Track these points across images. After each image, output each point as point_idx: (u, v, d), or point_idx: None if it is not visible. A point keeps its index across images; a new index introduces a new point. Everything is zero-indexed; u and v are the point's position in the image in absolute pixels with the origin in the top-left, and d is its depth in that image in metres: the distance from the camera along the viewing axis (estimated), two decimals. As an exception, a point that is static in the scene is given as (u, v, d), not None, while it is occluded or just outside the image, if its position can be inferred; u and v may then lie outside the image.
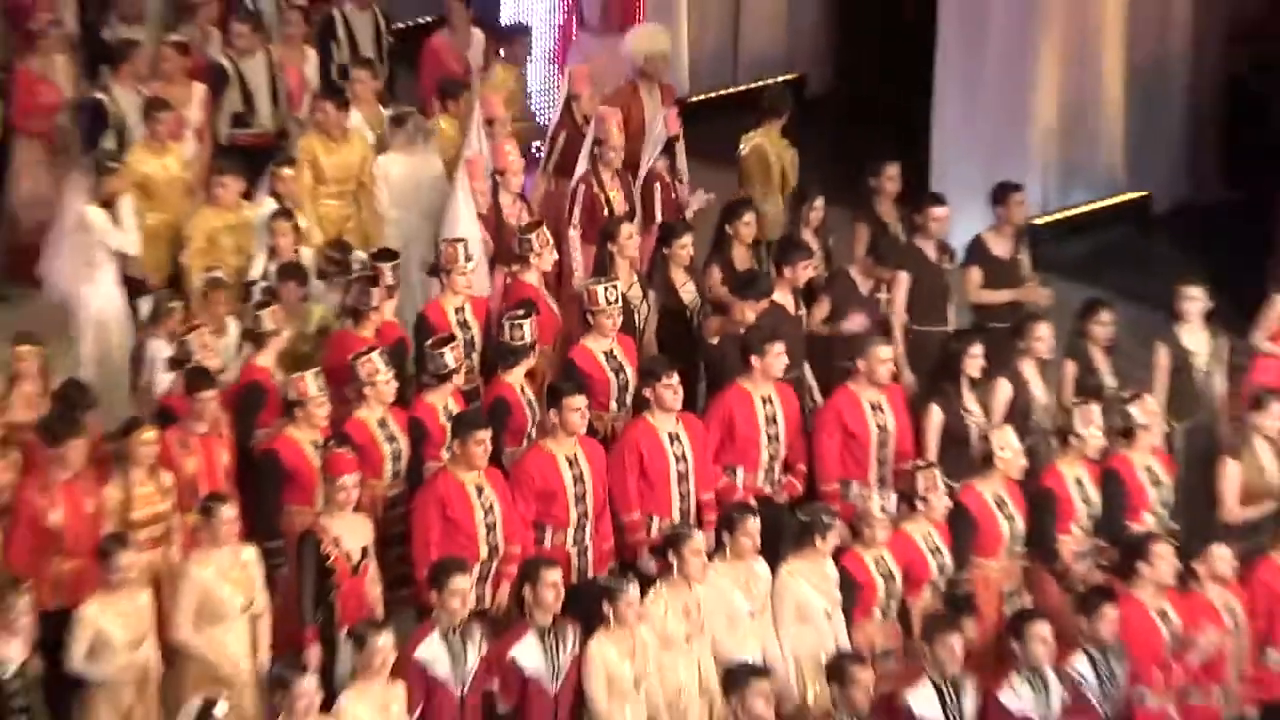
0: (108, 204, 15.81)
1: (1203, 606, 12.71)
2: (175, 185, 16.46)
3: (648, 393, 14.07)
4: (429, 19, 20.09)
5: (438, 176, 16.99)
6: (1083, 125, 18.96)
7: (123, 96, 16.87)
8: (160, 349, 14.69)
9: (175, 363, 14.29)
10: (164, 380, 14.46)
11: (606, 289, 14.97)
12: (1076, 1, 18.73)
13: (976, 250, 16.27)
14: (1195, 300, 15.15)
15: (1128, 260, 17.49)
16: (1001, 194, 16.50)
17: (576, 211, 17.06)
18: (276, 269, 15.48)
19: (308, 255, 16.07)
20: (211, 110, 17.47)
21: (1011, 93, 18.65)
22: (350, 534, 13.01)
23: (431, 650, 12.06)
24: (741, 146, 18.52)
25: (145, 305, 15.29)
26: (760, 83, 20.96)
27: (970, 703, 12.05)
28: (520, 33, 19.19)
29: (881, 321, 15.65)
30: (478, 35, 18.96)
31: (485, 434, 13.29)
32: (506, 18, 19.61)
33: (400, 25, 20.61)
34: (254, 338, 14.57)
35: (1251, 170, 18.65)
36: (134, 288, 15.95)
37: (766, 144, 18.32)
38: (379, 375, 13.85)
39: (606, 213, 16.92)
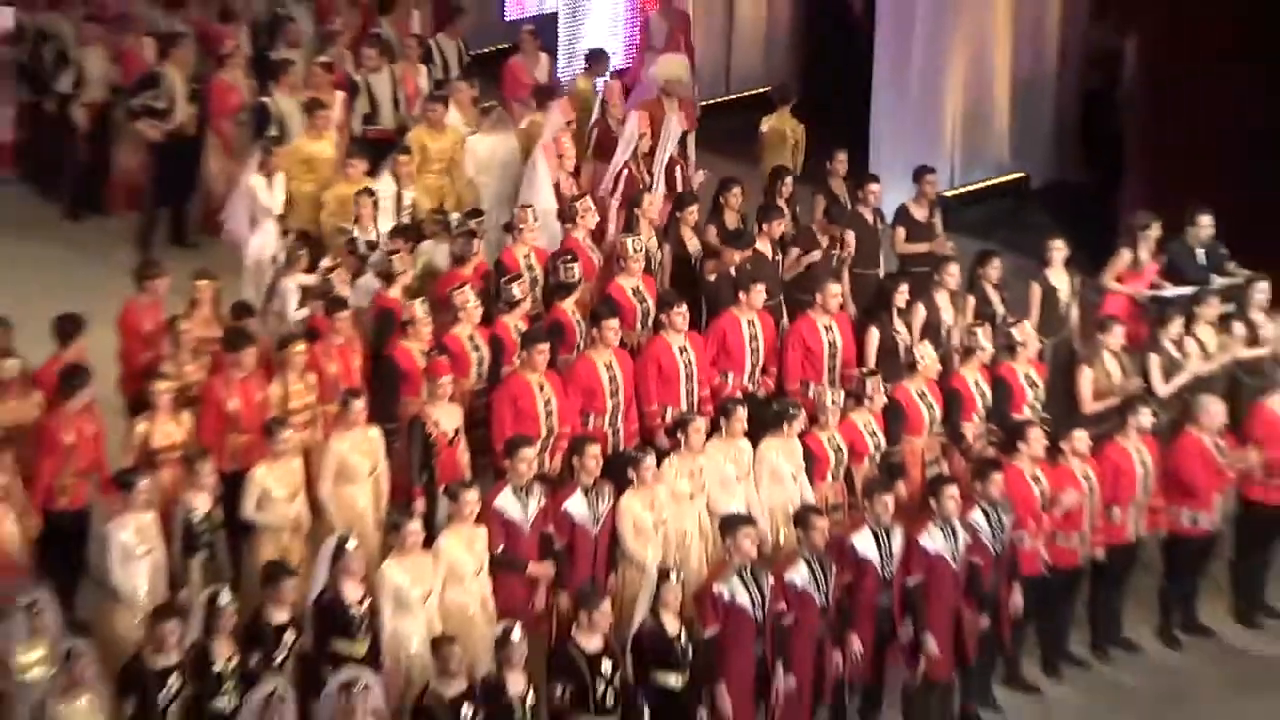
0: (268, 176, 15.71)
1: (1066, 474, 12.62)
2: (327, 163, 16.33)
3: (664, 318, 13.97)
4: (504, 45, 19.59)
5: (512, 151, 16.92)
6: (979, 124, 18.90)
7: (282, 101, 16.77)
8: (290, 285, 14.52)
9: (318, 293, 14.14)
10: (293, 309, 14.33)
11: (633, 241, 14.97)
12: (975, 34, 18.62)
13: (901, 215, 16.18)
14: (1059, 250, 15.08)
15: (1011, 222, 17.52)
16: (919, 174, 16.36)
17: (620, 185, 16.94)
18: (390, 229, 15.37)
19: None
20: (348, 111, 17.11)
21: (928, 100, 18.58)
22: (446, 418, 12.96)
23: (505, 502, 11.98)
24: (762, 126, 18.48)
25: (280, 251, 15.03)
26: (746, 93, 20.91)
27: (897, 544, 11.90)
28: (602, 54, 18.92)
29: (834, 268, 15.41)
30: (544, 57, 18.70)
31: (545, 346, 13.27)
32: (594, 41, 19.37)
33: (480, 51, 20.15)
34: (385, 276, 14.43)
35: (1102, 158, 18.64)
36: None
37: (781, 123, 18.31)
38: (469, 303, 13.75)
39: (641, 187, 16.77)
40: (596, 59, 18.36)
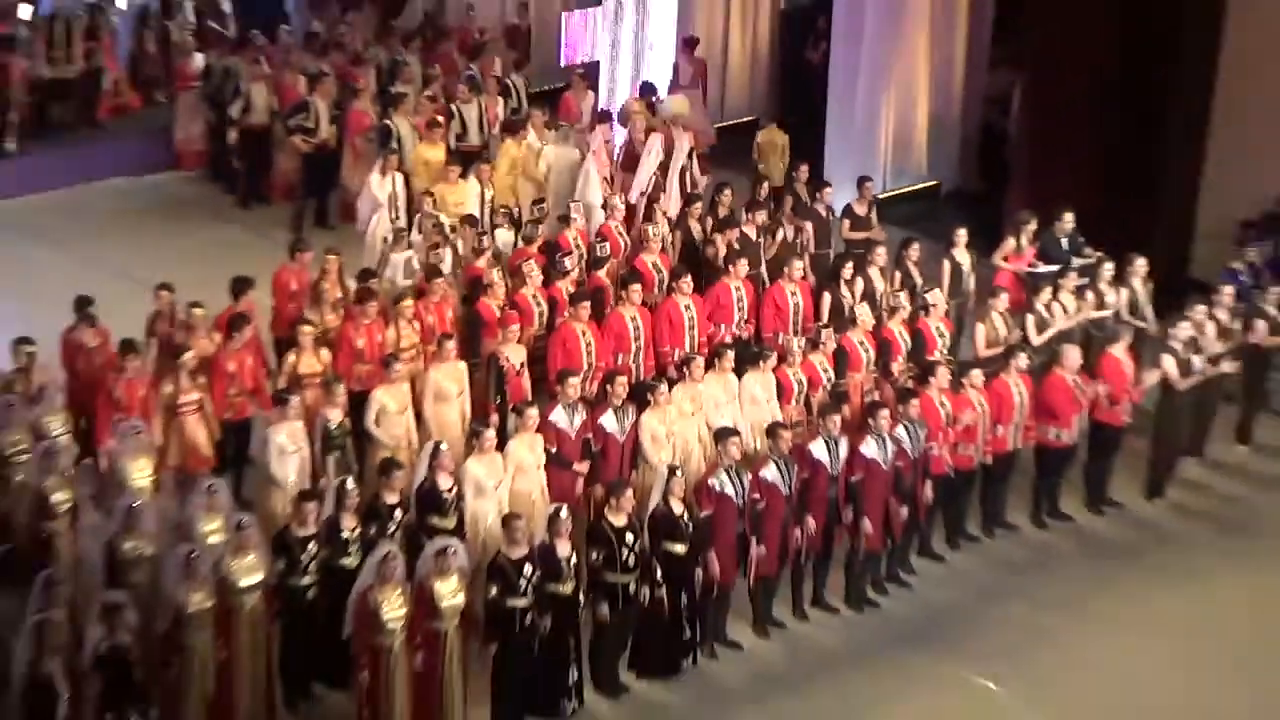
0: (384, 176, 15.56)
1: (965, 401, 12.49)
2: (438, 164, 16.16)
3: (674, 284, 13.91)
4: (560, 84, 19.30)
5: (573, 157, 16.68)
6: (904, 145, 18.67)
7: (400, 123, 16.58)
8: (397, 258, 14.44)
9: (424, 266, 14.04)
10: (401, 279, 14.19)
11: (653, 228, 14.89)
12: (903, 79, 18.45)
13: (847, 211, 15.92)
14: (961, 238, 14.97)
15: (927, 217, 17.23)
16: (860, 182, 16.16)
17: (650, 185, 16.89)
18: (460, 217, 15.24)
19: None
20: (446, 132, 16.91)
21: (867, 127, 18.36)
22: (514, 355, 12.88)
23: (557, 416, 11.90)
24: (758, 137, 18.45)
25: (389, 232, 14.93)
26: (734, 121, 20.61)
27: (843, 451, 11.76)
28: (650, 86, 18.83)
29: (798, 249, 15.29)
30: (590, 93, 18.46)
31: (587, 304, 13.21)
32: (645, 79, 19.16)
33: (543, 88, 19.93)
34: (476, 253, 14.42)
35: (994, 171, 18.54)
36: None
37: (772, 134, 18.31)
38: (533, 272, 13.70)
39: (659, 189, 16.81)
40: (645, 90, 18.14)
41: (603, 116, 18.01)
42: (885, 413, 12.01)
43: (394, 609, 10.08)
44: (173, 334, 12.91)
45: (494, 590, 10.39)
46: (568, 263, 14.10)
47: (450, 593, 10.22)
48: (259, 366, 12.74)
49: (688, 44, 19.43)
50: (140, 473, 11.44)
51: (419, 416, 12.56)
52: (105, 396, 12.15)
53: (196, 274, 14.00)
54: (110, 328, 12.80)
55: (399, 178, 15.70)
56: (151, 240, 16.63)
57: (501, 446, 11.64)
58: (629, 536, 10.91)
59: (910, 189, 18.51)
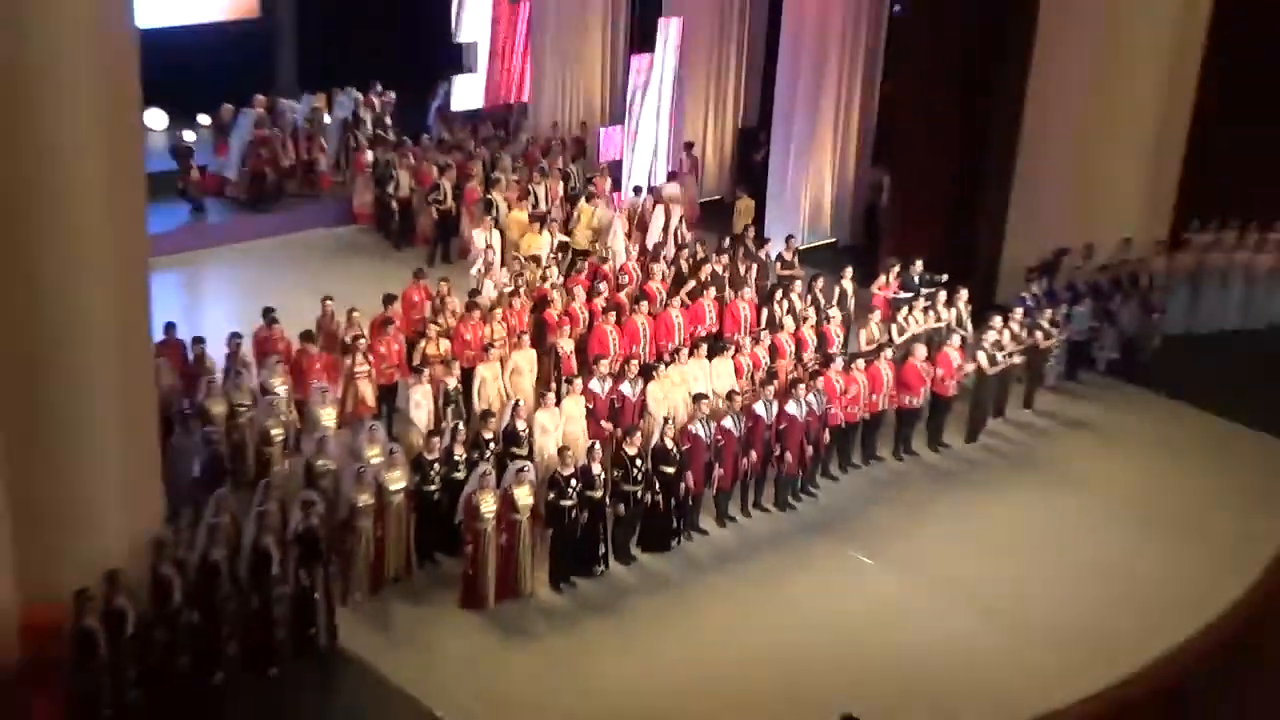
0: (486, 233, 15.29)
1: (851, 379, 12.31)
2: (522, 225, 15.94)
3: (669, 302, 13.81)
4: (595, 174, 19.07)
5: (610, 217, 16.42)
6: (817, 215, 18.45)
7: (497, 198, 16.38)
8: (489, 284, 14.25)
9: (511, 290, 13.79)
10: (488, 298, 13.91)
11: (656, 266, 14.77)
12: (815, 171, 18.21)
13: (779, 257, 15.59)
14: (848, 273, 14.73)
15: (829, 261, 16.61)
16: (788, 239, 16.01)
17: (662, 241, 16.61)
18: (531, 257, 15.00)
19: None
20: (525, 203, 16.77)
21: (793, 201, 18.06)
22: (566, 346, 12.72)
23: (594, 385, 11.78)
24: (737, 203, 18.10)
25: (482, 267, 14.75)
26: (708, 199, 19.85)
27: (775, 410, 11.64)
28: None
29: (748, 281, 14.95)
30: (608, 179, 17.98)
31: (614, 314, 13.04)
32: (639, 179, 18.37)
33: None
34: (543, 279, 14.17)
35: (872, 233, 18.14)
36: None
37: (744, 203, 17.98)
38: (579, 293, 13.58)
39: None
40: (638, 191, 17.62)
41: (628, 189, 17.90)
42: (801, 386, 11.90)
43: (488, 506, 10.10)
44: (334, 329, 12.78)
45: (551, 495, 10.41)
46: (602, 286, 13.82)
47: (524, 496, 10.23)
48: (402, 350, 12.54)
49: (688, 146, 19.11)
50: (327, 416, 11.42)
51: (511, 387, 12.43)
52: (297, 368, 12.05)
53: (365, 291, 13.78)
54: (286, 326, 12.57)
55: (496, 233, 15.45)
56: (337, 268, 16.48)
57: (558, 403, 11.53)
58: (638, 462, 10.91)
59: (819, 243, 18.06)
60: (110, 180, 8.59)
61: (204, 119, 19.08)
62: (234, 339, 12.17)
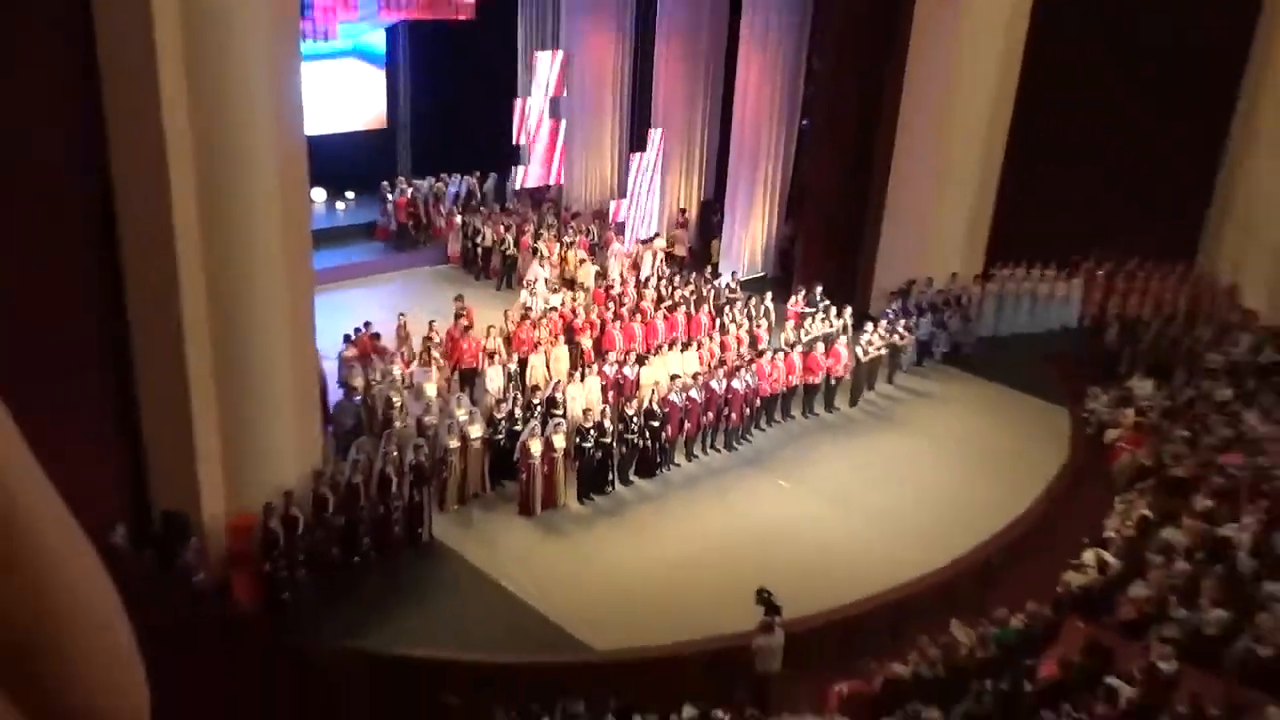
0: (538, 267, 14.90)
1: (774, 365, 12.10)
2: (556, 264, 15.39)
3: (655, 314, 13.41)
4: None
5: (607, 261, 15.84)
6: (754, 256, 17.81)
7: (542, 245, 15.89)
8: (538, 300, 13.75)
9: (550, 307, 13.42)
10: (539, 308, 13.34)
11: (648, 291, 14.28)
12: (751, 227, 17.61)
13: (727, 285, 15.15)
14: (768, 296, 14.36)
15: (759, 287, 15.84)
16: (732, 274, 15.74)
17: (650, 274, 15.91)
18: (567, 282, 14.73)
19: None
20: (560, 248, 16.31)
21: (739, 249, 17.59)
22: (587, 343, 12.29)
23: (606, 369, 11.44)
24: (712, 245, 17.58)
25: (531, 293, 14.07)
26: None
27: (725, 385, 11.41)
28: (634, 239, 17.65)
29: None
30: (611, 234, 17.34)
31: (617, 322, 12.70)
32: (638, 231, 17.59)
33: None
34: (573, 299, 13.72)
35: (788, 269, 17.29)
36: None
37: (714, 247, 17.52)
38: (595, 307, 13.15)
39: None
40: (631, 239, 17.12)
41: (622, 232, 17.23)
42: (742, 370, 11.72)
43: (536, 448, 9.96)
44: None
45: (577, 439, 10.25)
46: (609, 304, 13.54)
47: (559, 441, 10.08)
48: (477, 345, 12.05)
49: (681, 211, 18.45)
50: (430, 387, 11.13)
51: (548, 367, 12.04)
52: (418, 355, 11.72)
53: (450, 307, 13.33)
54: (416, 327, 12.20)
55: (540, 270, 15.06)
56: (438, 291, 15.90)
57: (582, 380, 11.30)
58: (635, 419, 10.72)
59: (753, 276, 17.40)
60: (286, 232, 8.51)
61: (350, 194, 18.66)
62: (360, 336, 11.83)
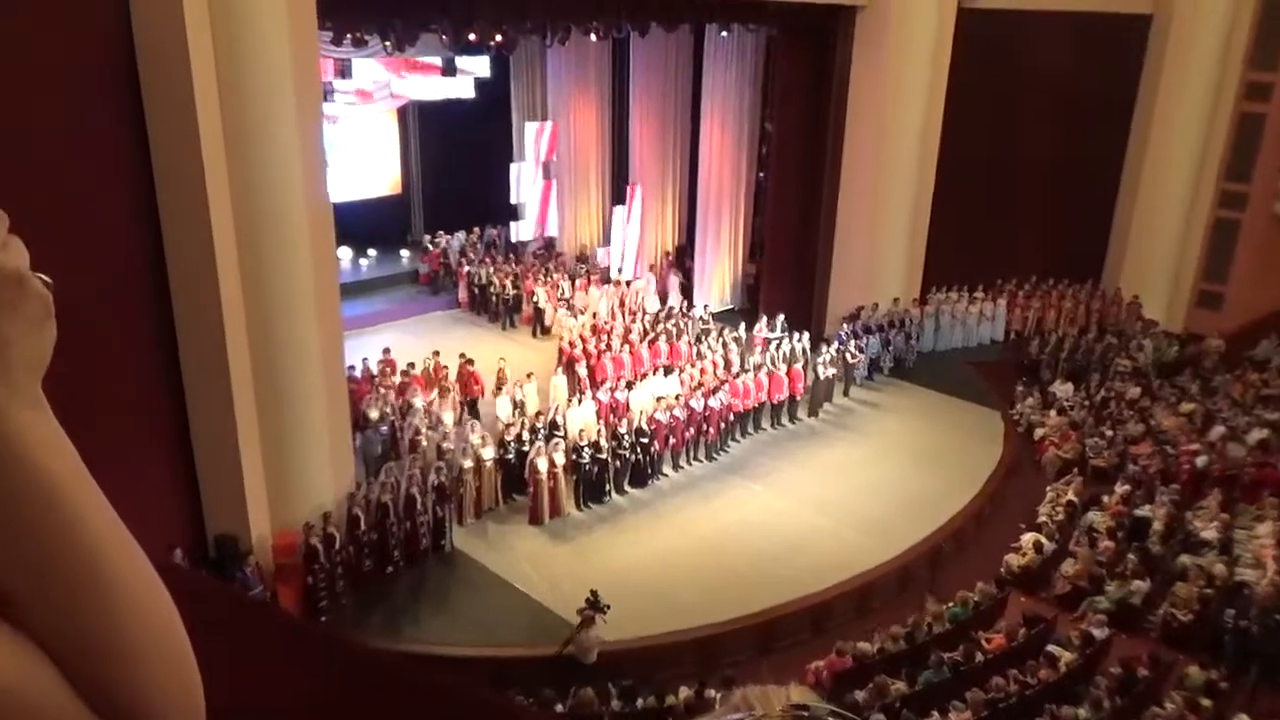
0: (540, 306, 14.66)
1: (746, 385, 12.04)
2: (555, 302, 15.08)
3: (642, 344, 13.24)
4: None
5: (599, 296, 15.45)
6: (722, 291, 17.55)
7: (539, 289, 15.56)
8: (573, 323, 13.46)
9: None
10: (570, 336, 13.22)
11: (635, 325, 14.12)
12: (720, 268, 17.43)
13: (702, 317, 14.89)
14: (741, 324, 14.28)
15: (730, 317, 15.81)
16: (705, 307, 15.63)
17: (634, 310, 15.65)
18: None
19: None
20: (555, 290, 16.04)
21: (709, 283, 17.46)
22: (583, 371, 12.13)
23: (600, 394, 11.35)
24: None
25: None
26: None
27: (703, 405, 11.36)
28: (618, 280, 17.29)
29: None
30: (596, 278, 17.27)
31: (609, 352, 12.55)
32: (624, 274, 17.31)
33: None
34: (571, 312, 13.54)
35: (754, 300, 16.90)
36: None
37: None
38: (590, 339, 12.95)
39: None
40: (617, 284, 16.72)
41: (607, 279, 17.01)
42: (718, 390, 11.69)
43: (542, 464, 9.87)
44: (443, 371, 11.93)
45: (574, 456, 10.18)
46: (601, 336, 13.33)
47: (561, 459, 9.99)
48: (477, 377, 11.85)
49: (666, 254, 18.18)
50: (449, 415, 11.07)
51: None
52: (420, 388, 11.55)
53: (463, 346, 13.19)
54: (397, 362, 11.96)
55: (544, 309, 15.01)
56: (452, 333, 15.62)
57: (580, 404, 11.19)
58: (628, 436, 10.66)
59: (724, 309, 17.24)
60: (318, 285, 8.56)
61: (372, 251, 18.65)
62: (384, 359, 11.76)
